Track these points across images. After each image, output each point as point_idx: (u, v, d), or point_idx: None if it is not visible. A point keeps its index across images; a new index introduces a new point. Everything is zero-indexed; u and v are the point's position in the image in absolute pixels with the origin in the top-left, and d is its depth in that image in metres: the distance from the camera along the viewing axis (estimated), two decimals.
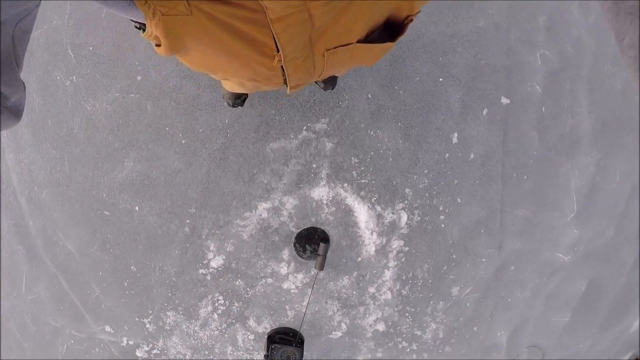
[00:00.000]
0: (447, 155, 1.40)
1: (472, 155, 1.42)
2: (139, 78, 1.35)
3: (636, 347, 2.05)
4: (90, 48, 1.38)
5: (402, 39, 0.59)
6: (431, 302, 1.45)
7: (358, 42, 0.54)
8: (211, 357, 1.42)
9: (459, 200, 1.45)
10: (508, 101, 1.41)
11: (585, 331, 1.84)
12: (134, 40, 1.34)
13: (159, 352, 1.44)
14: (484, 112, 1.41)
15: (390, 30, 0.57)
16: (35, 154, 1.42)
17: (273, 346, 1.37)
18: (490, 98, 1.37)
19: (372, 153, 1.32)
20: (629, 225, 1.75)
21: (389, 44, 0.59)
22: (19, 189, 1.46)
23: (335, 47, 0.54)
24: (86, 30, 1.38)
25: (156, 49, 0.50)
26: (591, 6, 1.46)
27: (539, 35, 1.39)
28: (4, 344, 1.67)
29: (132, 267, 1.39)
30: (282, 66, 0.51)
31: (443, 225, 1.42)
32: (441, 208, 1.40)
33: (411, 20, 0.56)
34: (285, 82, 0.57)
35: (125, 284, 1.41)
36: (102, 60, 1.35)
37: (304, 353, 1.31)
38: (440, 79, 1.38)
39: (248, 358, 1.42)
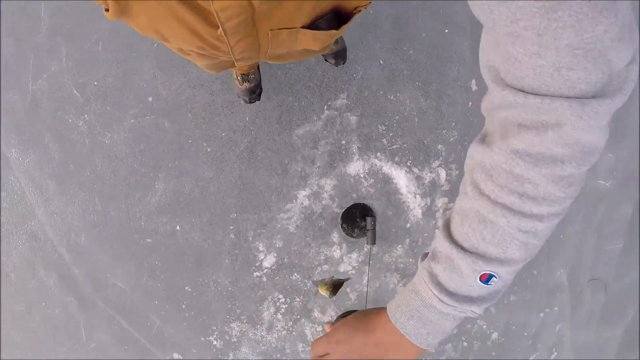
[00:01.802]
0: (470, 103, 1.39)
1: None
2: (150, 99, 1.35)
3: None
4: (95, 83, 1.39)
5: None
6: None
7: (302, 27, 0.60)
8: (284, 358, 1.40)
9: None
10: None
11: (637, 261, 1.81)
12: (136, 64, 1.35)
13: None
14: None
15: (339, 17, 0.62)
16: (64, 202, 1.43)
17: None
18: None
19: (397, 117, 1.31)
20: None
21: (333, 31, 0.63)
22: (56, 240, 1.46)
23: (279, 29, 0.59)
24: (86, 68, 1.39)
25: (105, 13, 0.55)
26: None
27: None
28: None
29: (186, 288, 1.39)
30: None
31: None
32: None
33: (359, 11, 0.62)
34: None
35: (183, 306, 1.41)
36: (109, 92, 1.36)
37: None
38: (446, 31, 1.38)
39: None
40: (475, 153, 0.50)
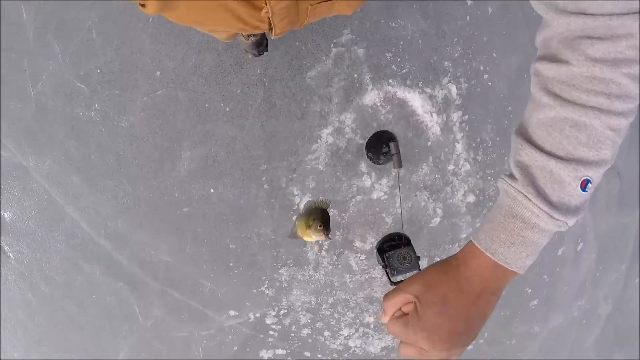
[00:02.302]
0: (468, 17, 1.44)
1: (490, 10, 1.47)
2: (158, 74, 1.38)
3: None
4: (98, 71, 1.41)
5: None
6: (506, 157, 1.51)
7: None
8: (334, 292, 1.48)
9: (494, 55, 1.50)
10: None
11: None
12: (136, 42, 1.37)
13: (286, 310, 1.52)
14: None
15: None
16: (93, 194, 1.47)
17: (386, 255, 1.42)
18: None
19: (401, 43, 1.36)
20: None
21: (363, 0, 0.68)
22: (93, 232, 1.50)
23: (318, 2, 0.64)
24: (85, 58, 1.40)
25: (141, 8, 0.56)
26: None
27: None
28: None
29: (230, 246, 1.45)
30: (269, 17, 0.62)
31: (490, 83, 1.47)
32: (482, 68, 1.45)
33: None
34: (270, 29, 0.66)
35: (231, 264, 1.47)
36: (114, 76, 1.38)
37: (415, 249, 1.36)
38: None
39: (367, 278, 1.48)
40: (546, 71, 0.53)
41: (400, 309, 0.57)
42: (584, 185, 0.52)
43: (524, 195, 0.52)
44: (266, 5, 0.57)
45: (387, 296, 0.58)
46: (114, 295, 1.59)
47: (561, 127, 0.51)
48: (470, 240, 0.56)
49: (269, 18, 0.61)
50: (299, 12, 0.65)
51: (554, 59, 0.52)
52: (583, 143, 0.50)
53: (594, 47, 0.48)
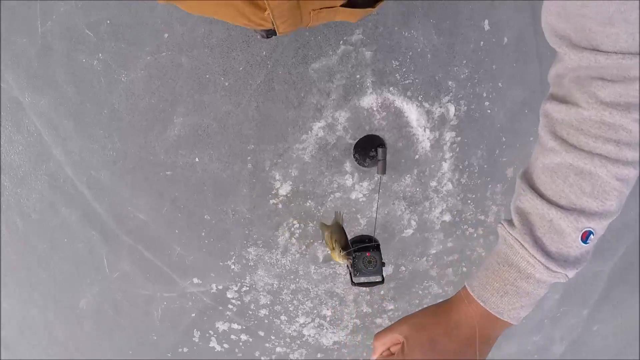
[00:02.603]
0: (482, 42, 1.44)
1: (505, 40, 1.47)
2: (166, 36, 1.38)
3: None
4: (108, 22, 1.41)
5: None
6: (489, 186, 1.53)
7: (342, 5, 0.64)
8: (297, 280, 1.51)
9: (500, 84, 1.50)
10: None
11: (632, 203, 1.91)
12: (149, 2, 1.36)
13: (248, 288, 1.55)
14: None
15: None
16: (83, 140, 1.48)
17: (353, 255, 1.45)
18: None
19: (410, 53, 1.37)
20: None
21: (369, 9, 0.67)
22: (76, 178, 1.53)
23: (320, 8, 0.63)
24: (98, 7, 1.40)
25: None
26: None
27: None
28: (100, 327, 1.76)
29: (205, 217, 1.48)
30: None
31: (489, 111, 1.48)
32: (485, 95, 1.46)
33: None
34: (274, 27, 0.68)
35: (203, 234, 1.50)
36: (123, 29, 1.38)
37: (382, 255, 1.40)
38: None
39: (331, 272, 1.51)
40: (555, 113, 0.50)
41: (389, 348, 0.57)
42: (586, 236, 0.49)
43: (521, 243, 0.50)
44: (267, 7, 0.58)
45: (377, 335, 0.58)
46: (86, 243, 1.63)
47: (565, 175, 0.48)
48: (464, 285, 0.55)
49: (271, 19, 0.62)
50: (302, 16, 0.65)
51: (564, 99, 0.50)
52: (587, 192, 0.48)
53: (605, 90, 0.45)
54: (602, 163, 0.46)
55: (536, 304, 0.54)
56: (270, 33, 1.38)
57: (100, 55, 1.42)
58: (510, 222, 0.53)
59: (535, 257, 0.49)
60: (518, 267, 0.50)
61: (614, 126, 0.46)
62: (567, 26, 0.46)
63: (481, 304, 0.52)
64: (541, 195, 0.50)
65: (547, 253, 0.50)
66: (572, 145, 0.48)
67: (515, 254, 0.50)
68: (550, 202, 0.49)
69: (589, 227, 0.49)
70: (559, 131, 0.49)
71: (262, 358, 1.74)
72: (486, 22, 1.47)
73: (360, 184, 1.48)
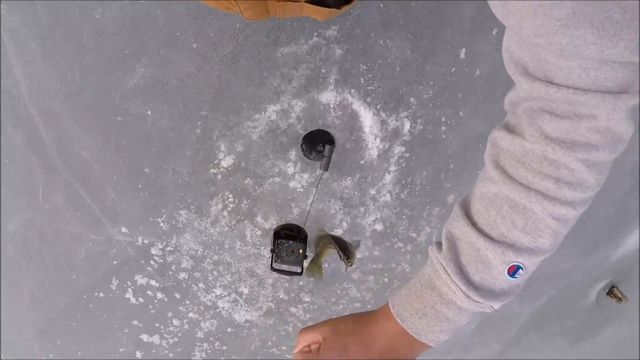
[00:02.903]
0: (454, 69, 1.47)
1: (477, 72, 1.50)
2: None
3: (612, 277, 2.21)
4: None
5: None
6: (427, 207, 1.57)
7: (306, 1, 0.63)
8: (221, 252, 1.53)
9: (461, 113, 1.53)
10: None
11: (568, 254, 1.99)
12: None
13: (172, 249, 1.56)
14: (494, 32, 1.48)
15: None
16: (44, 66, 1.47)
17: (279, 241, 1.49)
18: None
19: (380, 61, 1.39)
20: (627, 159, 1.84)
21: (335, 10, 0.66)
22: (29, 101, 1.51)
23: (285, 1, 0.62)
24: None
25: None
26: None
27: None
28: (23, 254, 1.76)
29: (145, 170, 1.48)
30: None
31: (444, 136, 1.51)
32: (443, 119, 1.49)
33: None
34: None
35: (140, 186, 1.50)
36: None
37: (307, 248, 1.42)
38: None
39: (255, 252, 1.53)
40: (501, 141, 0.49)
41: (310, 345, 0.58)
42: (513, 271, 0.48)
43: (444, 268, 0.49)
44: None
45: (302, 331, 0.59)
46: (25, 167, 1.61)
47: (500, 206, 0.47)
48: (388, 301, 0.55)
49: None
50: (267, 7, 0.64)
51: (513, 129, 0.49)
52: (519, 227, 0.46)
53: (552, 125, 0.44)
54: (537, 199, 0.45)
55: (458, 329, 0.53)
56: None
57: None
58: (439, 245, 0.53)
59: (456, 284, 0.48)
60: (440, 291, 0.49)
61: (555, 163, 0.45)
62: (524, 54, 0.45)
63: (400, 322, 0.51)
64: (473, 224, 0.49)
65: (469, 282, 0.49)
66: (511, 177, 0.47)
67: (438, 277, 0.50)
68: (480, 231, 0.48)
69: (517, 262, 0.47)
70: (501, 161, 0.49)
71: (174, 320, 1.77)
72: (463, 50, 1.50)
73: (301, 174, 1.50)
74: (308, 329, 0.58)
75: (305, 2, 0.62)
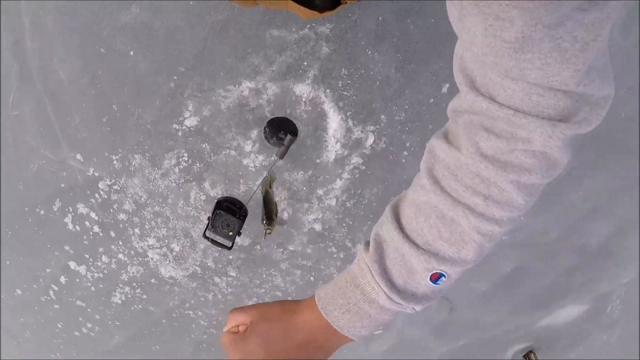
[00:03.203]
0: (432, 100, 1.50)
1: None
2: None
3: (533, 341, 2.26)
4: None
5: None
6: (369, 222, 1.61)
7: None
8: (163, 205, 1.56)
9: (426, 144, 1.54)
10: None
11: (496, 307, 2.04)
12: None
13: (118, 188, 1.59)
14: None
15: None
16: None
17: (218, 212, 1.52)
18: None
19: (362, 71, 1.42)
20: (576, 238, 1.88)
21: (316, 13, 0.68)
22: (24, 9, 1.52)
23: None
24: None
25: None
26: (631, 31, 1.46)
27: None
28: None
29: (113, 106, 1.51)
30: None
31: (404, 161, 1.55)
32: (408, 144, 1.52)
33: (345, 3, 0.67)
34: None
35: (104, 120, 1.53)
36: None
37: (244, 227, 1.46)
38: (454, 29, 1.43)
39: (195, 215, 1.57)
40: (439, 150, 0.50)
41: (238, 326, 0.60)
42: (436, 277, 0.50)
43: (369, 268, 0.51)
44: None
45: (233, 311, 0.60)
46: (4, 70, 1.63)
47: (428, 214, 0.49)
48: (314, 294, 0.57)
49: None
50: None
51: (451, 140, 0.50)
52: (444, 237, 0.48)
53: (489, 143, 0.45)
54: (464, 214, 0.46)
55: (381, 326, 0.55)
56: None
57: None
58: (367, 245, 0.55)
59: (379, 285, 0.50)
60: (363, 290, 0.52)
61: (487, 181, 0.45)
62: (474, 67, 0.45)
63: (324, 315, 0.54)
64: (401, 228, 0.51)
65: (392, 284, 0.51)
66: (443, 188, 0.48)
67: (363, 277, 0.52)
68: (407, 237, 0.50)
69: (441, 270, 0.49)
70: (436, 170, 0.50)
71: (104, 257, 1.80)
72: (447, 86, 1.53)
73: (257, 155, 1.53)
74: (239, 310, 0.60)
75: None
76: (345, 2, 0.67)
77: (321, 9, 0.71)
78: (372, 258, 0.52)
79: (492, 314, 2.10)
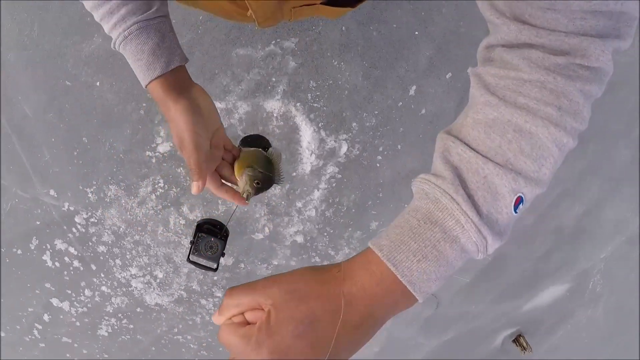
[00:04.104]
0: (401, 104, 1.53)
1: (423, 111, 1.55)
2: None
3: (520, 325, 2.30)
4: None
5: None
6: (349, 229, 1.62)
7: (322, 3, 0.62)
8: (143, 233, 1.54)
9: (399, 147, 1.59)
10: None
11: (480, 297, 2.07)
12: None
13: (96, 221, 1.56)
14: (448, 76, 1.54)
15: None
16: (5, 15, 1.46)
17: (200, 235, 1.51)
18: (458, 65, 1.50)
19: (330, 82, 1.43)
20: (549, 221, 1.92)
21: (349, 9, 0.66)
22: None
23: (301, 6, 0.63)
24: None
25: None
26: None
27: None
28: None
29: (83, 139, 1.48)
30: None
31: (378, 165, 1.57)
32: (381, 149, 1.54)
33: None
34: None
35: (75, 153, 1.50)
36: None
37: (226, 246, 1.46)
38: (416, 33, 1.49)
39: (176, 240, 1.55)
40: (488, 76, 0.46)
41: (243, 313, 0.42)
42: (517, 203, 0.42)
43: (451, 197, 0.41)
44: (250, 8, 0.59)
45: (232, 291, 0.43)
46: None
47: (503, 130, 0.43)
48: (368, 246, 0.44)
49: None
50: (282, 13, 0.65)
51: (498, 65, 0.46)
52: (526, 153, 0.42)
53: (548, 59, 0.43)
54: (544, 124, 0.42)
55: (444, 281, 0.42)
56: None
57: None
58: (433, 176, 0.45)
59: (467, 215, 0.40)
60: (444, 226, 0.40)
61: (555, 92, 0.43)
62: (506, 4, 0.43)
63: (391, 267, 0.40)
64: (474, 150, 0.43)
65: (482, 213, 0.41)
66: (513, 103, 0.43)
67: (442, 209, 0.41)
68: (485, 157, 0.42)
69: (523, 192, 0.43)
70: (497, 91, 0.45)
71: (86, 290, 1.75)
72: (414, 87, 1.56)
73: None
74: (242, 290, 0.42)
75: (320, 3, 0.61)
76: None
77: (352, 3, 0.69)
78: (453, 183, 0.42)
79: (477, 304, 2.13)
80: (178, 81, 0.62)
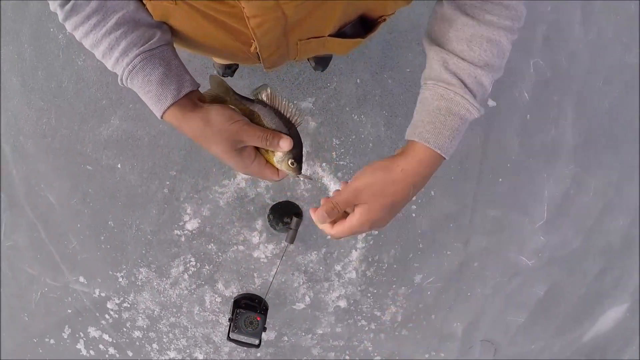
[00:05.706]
0: None
1: (432, 193, 1.48)
2: None
3: (585, 356, 2.14)
4: None
5: (396, 28, 0.73)
6: (393, 286, 1.52)
7: (330, 35, 0.64)
8: (178, 314, 1.47)
9: (432, 193, 1.50)
10: (494, 104, 1.46)
11: (539, 334, 1.93)
12: None
13: (128, 305, 1.50)
14: None
15: (364, 24, 0.67)
16: (22, 103, 1.45)
17: (238, 311, 1.42)
18: None
19: (353, 137, 1.37)
20: (596, 239, 1.80)
21: (359, 40, 0.68)
22: (4, 137, 1.49)
23: (307, 39, 0.63)
24: None
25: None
26: (593, 23, 1.48)
27: (536, 43, 1.43)
28: None
29: (109, 223, 1.44)
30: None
31: (414, 215, 1.48)
32: (414, 198, 1.45)
33: (384, 19, 0.67)
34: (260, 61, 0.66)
35: (102, 238, 1.46)
36: None
37: (267, 320, 1.37)
38: None
39: (213, 319, 1.47)
40: (454, 16, 0.63)
41: (333, 209, 0.61)
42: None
43: (462, 96, 0.61)
44: (253, 41, 0.57)
45: (341, 195, 0.60)
46: None
47: (480, 42, 0.62)
48: (412, 142, 0.62)
49: (257, 52, 0.61)
50: (288, 47, 0.64)
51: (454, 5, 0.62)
52: (495, 55, 0.62)
53: None
54: (504, 33, 0.61)
55: (459, 137, 0.64)
56: (227, 73, 1.37)
57: (66, 31, 1.40)
58: (444, 82, 0.62)
59: (473, 105, 0.61)
60: (460, 114, 0.61)
61: (507, 7, 0.60)
62: None
63: (438, 151, 0.60)
64: (463, 59, 0.61)
65: (477, 100, 0.62)
66: (481, 21, 0.61)
67: (456, 104, 0.61)
68: (472, 63, 0.61)
69: (493, 80, 0.64)
70: (466, 9, 0.61)
71: None
72: None
73: (266, 245, 1.45)
74: (349, 193, 0.60)
75: (328, 36, 0.64)
76: (384, 20, 0.68)
77: (359, 34, 0.69)
78: (461, 86, 0.61)
79: (537, 342, 1.97)
80: (193, 100, 0.58)
